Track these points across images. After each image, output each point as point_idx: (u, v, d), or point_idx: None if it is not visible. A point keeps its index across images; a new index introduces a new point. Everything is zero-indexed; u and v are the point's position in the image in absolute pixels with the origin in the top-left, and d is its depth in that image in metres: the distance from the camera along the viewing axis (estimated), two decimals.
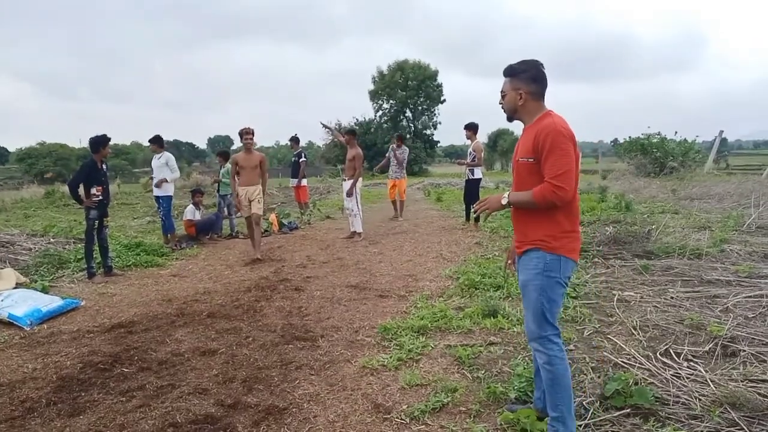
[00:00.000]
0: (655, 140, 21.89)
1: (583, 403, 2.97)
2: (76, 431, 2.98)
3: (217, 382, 3.55)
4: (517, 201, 2.54)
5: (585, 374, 3.36)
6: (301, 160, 12.32)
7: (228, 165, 11.06)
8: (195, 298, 5.72)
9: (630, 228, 8.01)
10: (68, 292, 6.09)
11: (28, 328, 4.86)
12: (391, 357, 3.81)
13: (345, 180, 9.75)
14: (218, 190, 10.91)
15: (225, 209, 10.76)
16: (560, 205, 2.43)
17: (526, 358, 3.62)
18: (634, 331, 4.12)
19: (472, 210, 2.57)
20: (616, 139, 52.35)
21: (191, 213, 9.91)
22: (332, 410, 3.12)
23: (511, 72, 2.62)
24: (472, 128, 10.12)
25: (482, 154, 10.26)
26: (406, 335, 4.21)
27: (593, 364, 3.53)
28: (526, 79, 2.57)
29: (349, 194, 9.40)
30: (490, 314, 4.56)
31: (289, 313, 5.06)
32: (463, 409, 3.05)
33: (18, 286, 6.00)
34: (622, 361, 3.55)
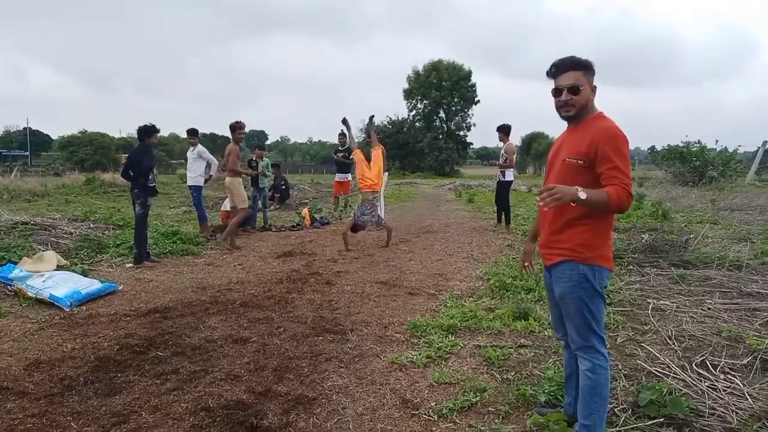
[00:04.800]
0: (694, 149, 21.30)
1: (615, 410, 2.93)
2: (112, 410, 3.06)
3: (248, 369, 3.62)
4: (591, 199, 2.20)
5: (617, 381, 3.31)
6: (351, 156, 12.48)
7: (267, 159, 11.28)
8: (228, 287, 5.83)
9: (667, 236, 7.83)
10: (106, 276, 6.27)
11: (68, 309, 5.02)
12: (420, 354, 3.82)
13: None
14: (255, 183, 11.10)
15: (260, 202, 10.93)
16: (621, 212, 2.32)
17: (557, 362, 3.59)
18: (668, 341, 4.04)
19: (537, 195, 2.28)
20: (653, 147, 51.20)
21: (229, 204, 10.09)
22: (361, 403, 3.15)
23: (580, 64, 2.43)
24: (504, 130, 10.06)
25: (514, 156, 10.19)
26: (435, 333, 4.22)
27: (626, 372, 3.47)
28: (593, 74, 2.44)
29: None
30: (520, 316, 4.53)
31: (319, 306, 5.12)
32: (492, 409, 3.04)
33: (59, 268, 6.20)
34: (656, 370, 3.48)
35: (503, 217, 10.31)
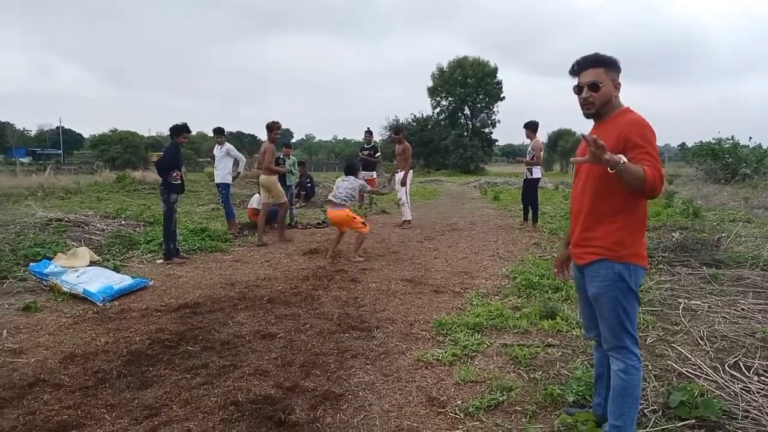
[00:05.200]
0: (726, 145, 20.76)
1: (645, 411, 2.89)
2: (144, 403, 3.13)
3: (276, 365, 3.67)
4: (630, 169, 2.12)
5: (647, 382, 3.26)
6: (377, 155, 12.52)
7: (293, 157, 11.40)
8: (256, 284, 5.91)
9: (698, 235, 7.66)
10: (137, 272, 6.41)
11: (101, 304, 5.15)
12: (445, 352, 3.82)
13: (397, 172, 10.80)
14: (282, 181, 11.19)
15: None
16: (654, 196, 2.27)
17: (586, 362, 3.55)
18: (700, 341, 3.96)
19: (581, 136, 2.21)
20: (683, 144, 50.06)
21: (256, 202, 10.25)
22: (387, 400, 3.16)
23: (601, 62, 2.41)
24: (531, 127, 9.96)
25: (541, 153, 10.09)
26: (461, 331, 4.21)
27: (656, 372, 3.42)
28: (617, 71, 2.43)
29: (403, 183, 10.27)
30: (548, 316, 4.49)
31: (345, 303, 5.15)
32: (519, 408, 3.02)
33: (92, 264, 6.36)
34: (687, 372, 3.42)
35: (530, 214, 10.23)
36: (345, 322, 4.53)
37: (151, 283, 5.87)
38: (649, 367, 3.49)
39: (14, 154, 60.16)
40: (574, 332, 4.19)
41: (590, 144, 2.08)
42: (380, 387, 3.34)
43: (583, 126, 2.47)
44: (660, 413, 2.87)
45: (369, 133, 12.87)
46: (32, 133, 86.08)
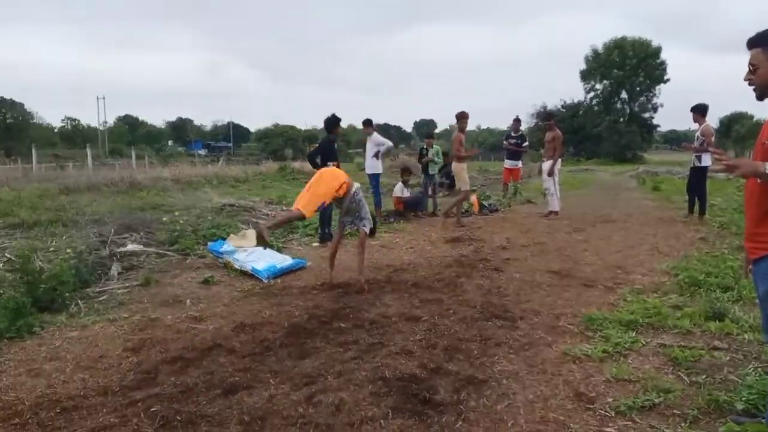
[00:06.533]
0: None
1: None
2: (302, 372, 3.44)
3: (420, 346, 3.80)
4: None
5: None
6: (524, 144, 12.27)
7: (437, 146, 11.56)
8: (401, 268, 6.14)
9: None
10: (297, 253, 6.99)
11: (266, 281, 5.72)
12: (595, 348, 3.66)
13: (544, 161, 10.35)
14: (425, 171, 11.41)
15: (430, 189, 11.24)
16: None
17: (759, 369, 3.19)
18: None
19: (711, 155, 2.10)
20: None
21: (400, 190, 10.60)
22: (531, 390, 3.13)
23: (758, 41, 2.23)
24: (699, 110, 8.99)
25: (712, 139, 9.06)
26: (613, 328, 3.99)
27: None
28: None
29: (550, 174, 9.89)
30: (715, 317, 4.08)
31: (488, 291, 5.14)
32: (677, 412, 2.81)
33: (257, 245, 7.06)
34: None
35: (696, 206, 9.26)
36: (488, 311, 4.53)
37: (308, 264, 6.37)
38: None
39: (193, 147, 68.47)
40: (746, 336, 3.76)
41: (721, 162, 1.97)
42: (524, 377, 3.31)
43: (761, 109, 2.22)
44: None
45: (517, 121, 12.58)
46: (207, 128, 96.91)
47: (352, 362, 3.55)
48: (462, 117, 9.34)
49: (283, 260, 6.18)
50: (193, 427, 2.78)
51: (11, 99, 58.32)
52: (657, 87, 47.23)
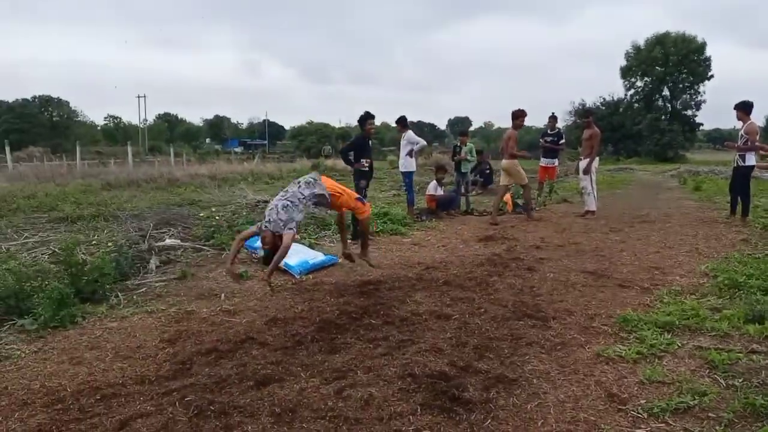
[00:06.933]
0: None
1: None
2: (333, 366, 3.47)
3: (450, 344, 3.79)
4: None
5: None
6: (561, 141, 12.09)
7: (470, 144, 11.50)
8: (432, 266, 6.13)
9: None
10: (328, 250, 7.05)
11: (298, 277, 5.80)
12: (629, 349, 3.58)
13: (581, 159, 10.20)
14: (458, 168, 11.35)
15: (463, 187, 11.18)
16: None
17: None
18: None
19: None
20: None
21: (433, 188, 10.58)
22: (562, 391, 3.09)
23: None
24: (744, 108, 8.68)
25: (757, 137, 8.73)
26: (648, 329, 3.90)
27: None
28: None
29: (586, 172, 9.72)
30: (755, 320, 3.94)
31: (520, 291, 5.09)
32: (713, 415, 2.74)
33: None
34: None
35: (739, 207, 8.96)
36: (520, 310, 4.49)
37: (339, 261, 6.42)
38: None
39: (230, 145, 69.74)
40: None
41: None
42: (555, 377, 3.27)
43: None
44: None
45: (553, 118, 12.36)
46: (243, 126, 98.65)
47: (382, 358, 3.57)
48: (518, 116, 9.33)
49: (315, 256, 6.25)
50: (226, 417, 2.85)
51: (58, 97, 60.66)
52: (701, 84, 45.74)
